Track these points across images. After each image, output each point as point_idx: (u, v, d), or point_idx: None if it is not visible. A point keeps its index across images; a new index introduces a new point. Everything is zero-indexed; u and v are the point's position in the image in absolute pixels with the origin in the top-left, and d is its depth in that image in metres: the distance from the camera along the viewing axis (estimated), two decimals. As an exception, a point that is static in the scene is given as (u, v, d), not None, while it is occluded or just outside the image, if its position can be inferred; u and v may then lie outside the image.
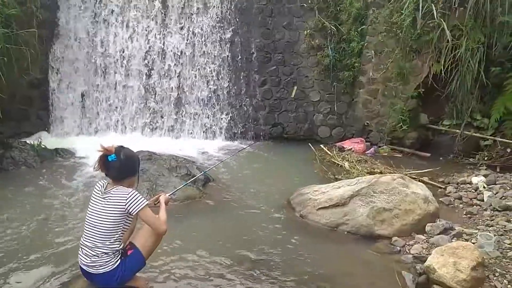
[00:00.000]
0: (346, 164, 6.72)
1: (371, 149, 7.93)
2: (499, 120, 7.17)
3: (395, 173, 5.82)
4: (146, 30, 8.25)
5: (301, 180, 5.88)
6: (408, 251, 3.97)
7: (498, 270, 3.54)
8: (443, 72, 7.21)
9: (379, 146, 8.12)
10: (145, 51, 8.28)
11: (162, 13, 8.30)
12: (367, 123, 8.42)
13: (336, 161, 6.99)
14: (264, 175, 6.49)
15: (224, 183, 5.90)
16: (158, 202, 3.09)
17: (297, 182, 5.83)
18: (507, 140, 6.91)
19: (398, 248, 4.02)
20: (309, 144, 8.07)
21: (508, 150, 6.89)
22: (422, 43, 7.57)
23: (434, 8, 7.11)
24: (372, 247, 4.04)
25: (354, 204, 4.50)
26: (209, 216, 4.79)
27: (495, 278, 3.44)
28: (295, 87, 8.75)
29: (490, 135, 7.24)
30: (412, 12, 7.41)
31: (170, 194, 3.42)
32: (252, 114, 8.71)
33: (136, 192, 2.79)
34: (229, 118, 8.64)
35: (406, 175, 5.35)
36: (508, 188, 5.54)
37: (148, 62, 8.31)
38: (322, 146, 7.95)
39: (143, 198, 2.79)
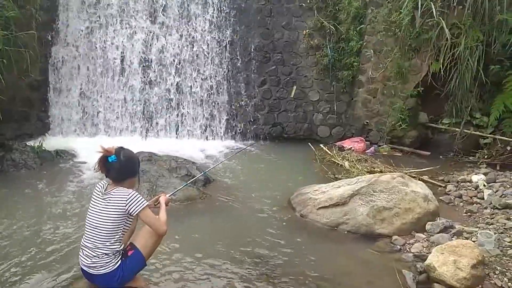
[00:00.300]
0: (346, 164, 6.73)
1: (371, 148, 7.94)
2: (498, 118, 7.20)
3: (395, 172, 5.83)
4: (144, 31, 8.26)
5: (301, 180, 5.89)
6: (408, 249, 3.97)
7: (498, 268, 3.54)
8: (442, 71, 7.22)
9: (379, 145, 8.13)
10: (144, 51, 8.29)
11: (160, 13, 8.31)
12: (367, 122, 8.42)
13: (336, 161, 7.00)
14: (264, 175, 6.50)
15: (224, 183, 5.91)
16: (158, 203, 3.10)
17: (297, 182, 5.83)
18: (506, 138, 6.93)
19: (399, 247, 4.02)
20: (309, 143, 8.09)
21: (508, 148, 6.91)
22: (421, 41, 7.59)
23: (433, 6, 7.11)
24: (372, 246, 4.05)
25: (354, 203, 4.51)
26: (209, 216, 4.80)
27: (495, 276, 3.45)
28: (295, 87, 8.77)
29: (490, 133, 7.26)
30: (411, 11, 7.42)
31: (170, 195, 3.43)
32: (252, 114, 8.73)
33: (136, 193, 2.79)
34: (228, 118, 8.66)
35: (406, 174, 5.37)
36: (508, 186, 5.55)
37: (147, 62, 8.31)
38: (322, 145, 7.96)
39: (143, 199, 2.79)
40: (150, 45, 8.30)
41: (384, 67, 8.06)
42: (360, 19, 8.37)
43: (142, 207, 2.75)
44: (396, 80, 7.94)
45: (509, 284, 3.38)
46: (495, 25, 7.00)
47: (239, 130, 8.70)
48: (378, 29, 8.07)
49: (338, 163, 6.90)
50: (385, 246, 4.05)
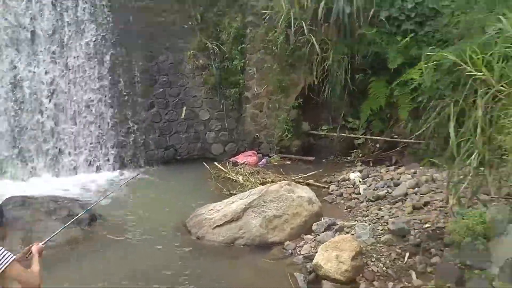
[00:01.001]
0: (240, 178, 6.90)
1: (262, 160, 8.28)
2: (367, 120, 8.15)
3: (285, 180, 6.16)
4: (12, 59, 7.37)
5: (197, 201, 5.80)
6: (299, 252, 4.23)
7: (374, 255, 3.97)
8: (316, 83, 7.97)
9: (270, 156, 8.52)
10: (12, 83, 7.39)
11: (29, 39, 7.53)
12: (257, 135, 8.79)
13: (230, 177, 7.13)
14: (157, 202, 6.25)
15: (114, 217, 5.51)
16: (31, 253, 2.78)
17: (192, 204, 5.74)
18: (375, 137, 7.92)
19: (290, 251, 4.25)
20: (204, 163, 8.06)
21: (377, 145, 7.90)
22: (296, 57, 8.24)
23: (304, 24, 7.81)
24: (267, 255, 4.22)
25: (247, 217, 4.65)
26: (98, 255, 4.46)
27: (372, 263, 3.86)
28: (184, 108, 8.73)
29: (362, 134, 8.18)
30: (284, 30, 8.04)
31: (45, 242, 3.07)
32: (142, 140, 8.39)
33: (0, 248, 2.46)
34: (116, 146, 8.16)
35: (293, 180, 5.73)
36: (379, 179, 6.27)
37: (16, 95, 7.41)
38: (216, 163, 8.02)
39: (8, 253, 2.46)
40: (19, 74, 7.42)
41: (267, 82, 8.56)
42: (241, 39, 8.74)
43: (7, 263, 2.42)
44: (278, 94, 8.48)
45: (384, 268, 3.81)
46: (356, 39, 7.97)
47: (129, 157, 8.26)
48: (257, 48, 8.55)
49: (232, 179, 7.04)
50: (278, 253, 4.25)
